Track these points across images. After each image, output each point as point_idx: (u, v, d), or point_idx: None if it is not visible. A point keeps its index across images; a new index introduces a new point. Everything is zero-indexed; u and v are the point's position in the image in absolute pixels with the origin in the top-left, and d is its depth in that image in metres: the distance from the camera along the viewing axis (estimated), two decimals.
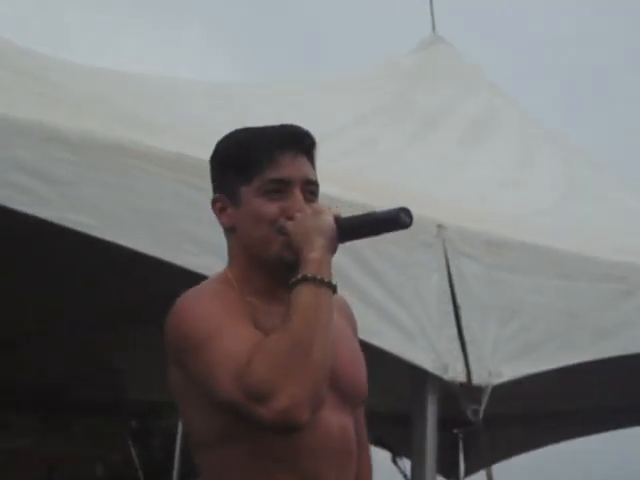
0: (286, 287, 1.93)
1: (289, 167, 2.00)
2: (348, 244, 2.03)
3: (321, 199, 3.12)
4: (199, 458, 2.01)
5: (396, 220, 2.01)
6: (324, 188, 3.47)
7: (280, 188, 1.99)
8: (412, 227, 3.63)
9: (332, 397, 1.95)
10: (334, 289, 1.91)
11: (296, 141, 2.03)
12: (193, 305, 1.96)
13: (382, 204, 3.62)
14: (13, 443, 7.54)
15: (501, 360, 3.75)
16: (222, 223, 2.07)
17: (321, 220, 1.95)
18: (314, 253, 1.91)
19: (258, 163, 1.99)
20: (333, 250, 1.96)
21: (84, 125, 2.95)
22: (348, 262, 3.46)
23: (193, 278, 3.13)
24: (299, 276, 1.88)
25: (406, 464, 5.10)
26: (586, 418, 7.62)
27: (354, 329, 2.26)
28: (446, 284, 3.69)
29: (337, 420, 1.99)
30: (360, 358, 2.17)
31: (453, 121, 5.33)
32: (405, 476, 5.13)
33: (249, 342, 1.84)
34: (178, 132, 3.36)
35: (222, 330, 1.87)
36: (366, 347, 3.49)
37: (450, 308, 3.67)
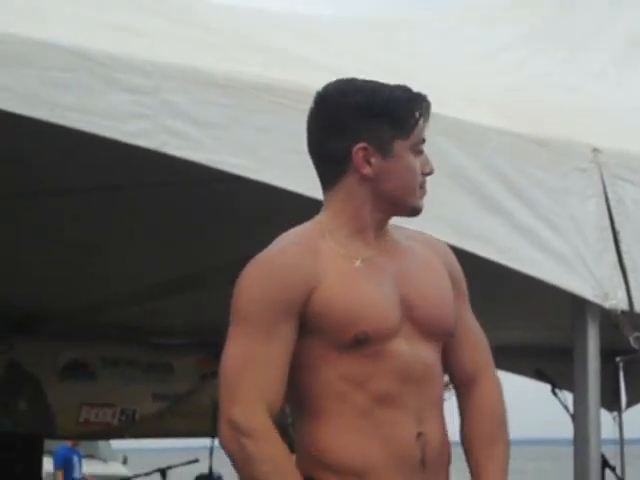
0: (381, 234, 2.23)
1: (423, 128, 2.23)
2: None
3: (475, 128, 3.08)
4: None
5: None
6: (478, 116, 3.43)
7: (422, 149, 2.23)
8: (565, 152, 3.61)
9: (408, 328, 2.16)
10: None
11: (428, 110, 2.24)
12: (250, 280, 2.17)
13: (536, 130, 3.58)
14: (177, 387, 7.74)
15: None
16: (363, 172, 2.18)
17: None
18: None
19: (416, 122, 2.18)
20: None
21: (235, 67, 2.97)
22: (498, 189, 3.42)
23: None
24: None
25: (566, 396, 5.02)
26: None
27: (449, 271, 2.35)
28: (604, 210, 3.60)
29: (413, 349, 2.16)
30: (442, 291, 2.28)
31: (609, 40, 5.15)
32: (566, 408, 5.06)
33: (269, 378, 2.10)
34: (331, 69, 3.34)
35: (254, 334, 2.12)
36: (523, 278, 3.48)
37: (609, 234, 3.59)
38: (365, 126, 2.16)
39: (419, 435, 2.12)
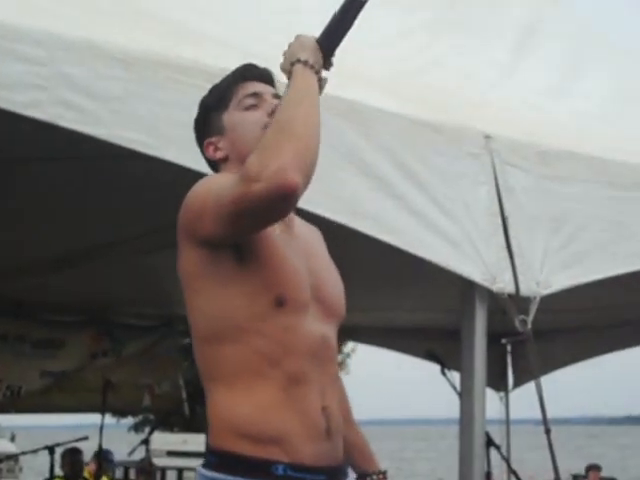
0: None
1: (256, 85, 2.35)
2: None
3: (370, 110, 3.08)
4: (198, 352, 2.25)
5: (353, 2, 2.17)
6: (373, 99, 3.45)
7: (255, 101, 2.32)
8: (459, 138, 3.67)
9: (314, 307, 2.26)
10: (319, 75, 2.17)
11: (256, 72, 2.38)
12: (204, 182, 2.20)
13: (430, 115, 3.63)
14: (66, 364, 7.66)
15: (549, 271, 3.75)
16: (218, 159, 2.35)
17: (301, 39, 2.22)
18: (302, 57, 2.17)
19: (229, 90, 2.34)
20: (321, 64, 2.20)
21: (133, 41, 2.94)
22: (393, 172, 3.46)
23: None
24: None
25: (455, 377, 5.13)
26: (634, 330, 7.63)
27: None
28: (494, 195, 3.68)
29: (318, 328, 2.27)
30: (337, 275, 2.42)
31: (503, 30, 5.24)
32: (454, 388, 5.18)
33: None
34: (228, 45, 3.33)
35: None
36: (414, 260, 3.54)
37: (498, 219, 3.67)
38: (204, 125, 2.38)
39: (324, 408, 2.24)
